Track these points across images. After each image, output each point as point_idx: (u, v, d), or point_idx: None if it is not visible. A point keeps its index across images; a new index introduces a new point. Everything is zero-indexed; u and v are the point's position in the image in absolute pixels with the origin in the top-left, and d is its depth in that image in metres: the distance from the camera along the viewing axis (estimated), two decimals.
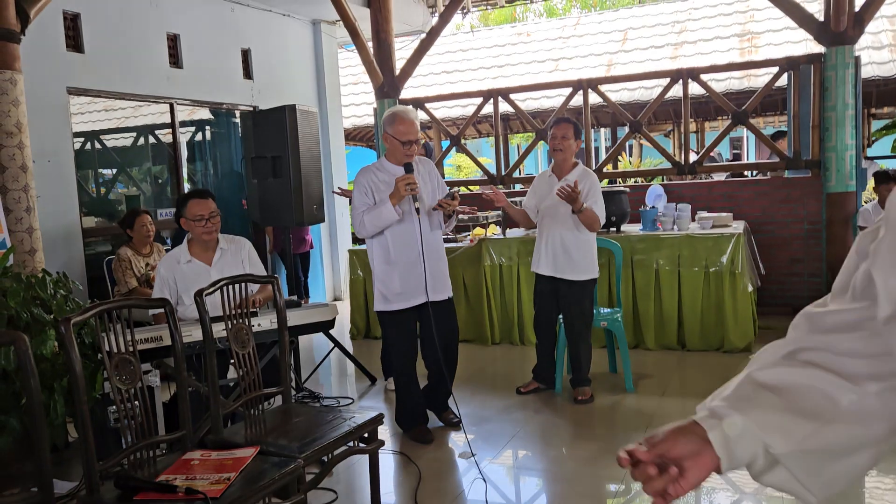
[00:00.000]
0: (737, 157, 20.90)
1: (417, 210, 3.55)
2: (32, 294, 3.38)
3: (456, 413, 3.93)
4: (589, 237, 4.24)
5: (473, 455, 3.55)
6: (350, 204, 3.93)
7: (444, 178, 7.93)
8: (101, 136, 6.44)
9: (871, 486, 3.03)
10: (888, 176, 5.97)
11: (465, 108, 9.88)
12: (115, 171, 6.81)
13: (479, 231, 6.20)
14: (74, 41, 5.53)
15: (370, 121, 10.26)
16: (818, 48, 6.10)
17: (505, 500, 3.13)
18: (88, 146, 6.29)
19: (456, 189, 3.83)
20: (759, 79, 8.57)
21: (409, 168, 3.58)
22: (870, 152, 11.05)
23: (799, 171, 6.40)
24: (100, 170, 6.60)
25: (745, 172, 8.98)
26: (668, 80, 6.56)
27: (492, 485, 3.22)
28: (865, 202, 6.86)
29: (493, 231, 6.17)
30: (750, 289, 5.15)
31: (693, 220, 5.76)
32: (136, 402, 2.23)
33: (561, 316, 4.32)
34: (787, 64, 6.17)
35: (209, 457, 2.26)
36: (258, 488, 2.08)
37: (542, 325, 4.38)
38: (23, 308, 3.25)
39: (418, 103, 7.66)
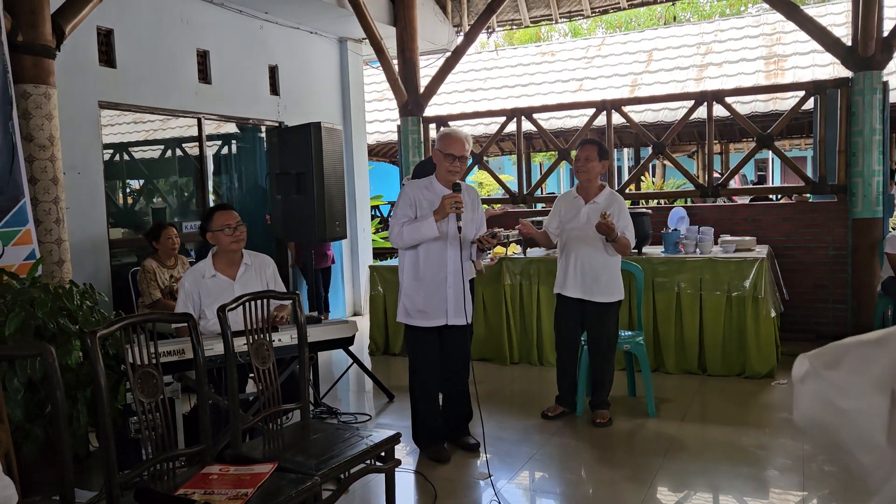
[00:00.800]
0: (761, 179, 20.75)
1: (459, 229, 3.58)
2: (60, 305, 3.44)
3: (474, 437, 3.91)
4: (616, 259, 4.23)
5: (490, 476, 3.53)
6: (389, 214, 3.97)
7: None
8: (130, 149, 6.56)
9: None
10: None
11: (489, 126, 9.92)
12: (142, 182, 6.93)
13: (499, 250, 6.20)
14: (107, 56, 5.65)
15: (393, 137, 10.34)
16: (845, 72, 6.06)
17: None
18: (117, 158, 6.40)
19: (500, 230, 3.86)
20: (784, 102, 8.51)
21: (456, 188, 3.62)
22: None
23: (824, 196, 6.34)
24: (127, 181, 6.72)
25: (770, 196, 8.90)
26: (692, 102, 6.55)
27: None
28: (893, 228, 6.76)
29: (514, 250, 6.17)
30: (773, 314, 5.09)
31: (716, 243, 5.72)
32: (157, 414, 2.25)
33: (585, 338, 4.30)
34: (814, 88, 6.14)
35: (227, 472, 2.28)
36: None
37: (566, 347, 4.35)
38: (50, 318, 3.31)
39: (442, 121, 7.71)
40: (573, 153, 4.33)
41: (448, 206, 3.52)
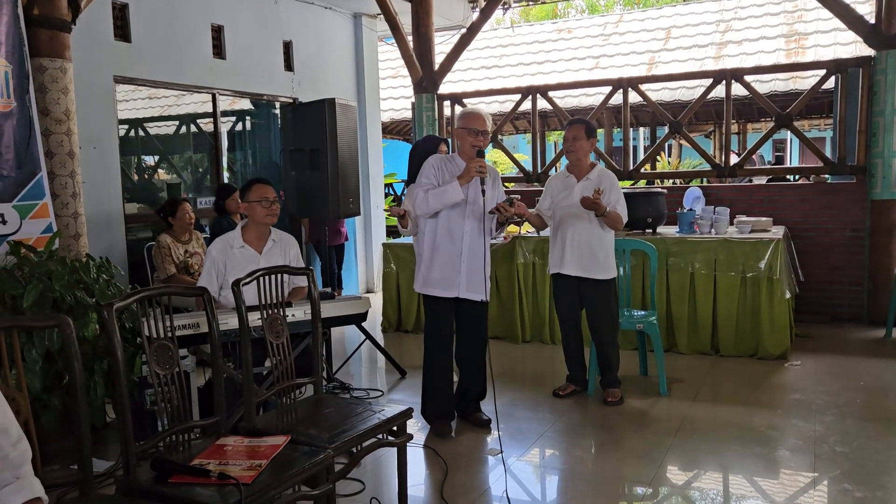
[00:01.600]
0: (779, 159, 20.51)
1: (483, 192, 3.60)
2: (76, 278, 3.48)
3: (486, 414, 3.93)
4: (610, 235, 4.24)
5: (501, 452, 3.56)
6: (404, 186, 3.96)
7: None
8: (145, 124, 6.58)
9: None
10: None
11: (503, 104, 9.84)
12: (157, 158, 6.95)
13: (513, 229, 6.19)
14: (122, 31, 5.65)
15: (408, 115, 10.30)
16: (868, 51, 5.95)
17: (531, 497, 3.14)
18: (132, 133, 6.43)
19: (517, 196, 3.86)
20: (805, 81, 8.38)
21: (481, 154, 3.66)
22: None
23: (843, 177, 6.26)
24: (143, 157, 6.75)
25: (788, 176, 8.80)
26: (710, 80, 6.46)
27: (517, 482, 3.23)
28: None
29: (527, 229, 6.15)
30: (788, 296, 5.05)
31: (731, 223, 5.67)
32: (173, 387, 2.28)
33: (587, 316, 4.29)
34: (835, 67, 6.04)
35: (242, 443, 2.30)
36: (288, 476, 2.12)
37: (571, 327, 4.35)
38: (67, 291, 3.35)
39: (456, 98, 7.67)
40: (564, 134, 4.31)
41: (473, 169, 3.56)
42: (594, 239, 4.17)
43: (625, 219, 4.16)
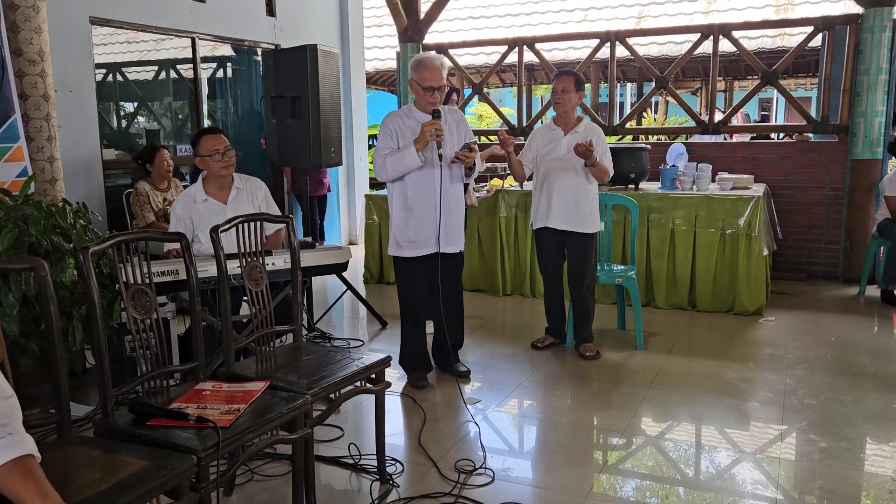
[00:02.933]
0: (765, 118, 20.52)
1: (440, 157, 3.55)
2: (53, 223, 3.44)
3: (465, 364, 3.98)
4: (595, 189, 4.24)
5: (477, 402, 3.62)
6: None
7: None
8: (123, 69, 6.43)
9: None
10: None
11: (490, 55, 9.72)
12: (136, 104, 6.82)
13: (496, 182, 6.18)
14: None
15: (393, 65, 10.14)
16: (856, 9, 5.91)
17: (507, 445, 3.20)
18: (110, 78, 6.28)
19: (474, 140, 3.79)
20: (793, 38, 8.34)
21: (436, 115, 3.56)
22: None
23: (825, 136, 6.28)
24: (121, 102, 6.61)
25: (771, 135, 8.82)
26: (698, 35, 6.40)
27: (494, 430, 3.30)
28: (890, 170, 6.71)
29: (510, 183, 6.15)
30: (765, 252, 5.12)
31: (713, 180, 5.70)
32: (152, 333, 2.28)
33: (568, 269, 4.32)
34: (823, 24, 6.00)
35: (220, 388, 2.32)
36: (266, 420, 2.14)
37: (554, 280, 4.38)
38: (43, 236, 3.31)
39: (442, 49, 7.55)
40: (552, 85, 4.24)
41: (428, 133, 3.48)
42: (581, 192, 4.16)
43: (611, 171, 4.16)
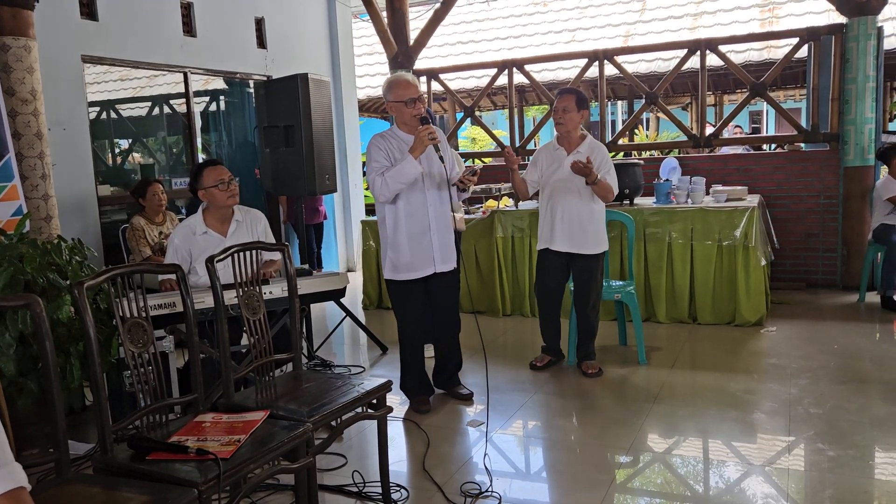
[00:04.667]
0: (756, 131, 20.63)
1: (442, 159, 3.53)
2: (49, 260, 3.43)
3: (467, 387, 3.95)
4: (600, 209, 4.21)
5: (481, 424, 3.58)
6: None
7: (458, 149, 7.89)
8: (117, 106, 6.47)
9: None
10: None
11: (480, 79, 9.79)
12: (130, 140, 6.84)
13: (491, 203, 6.19)
14: (88, 9, 5.52)
15: None
16: (841, 19, 5.97)
17: (513, 467, 3.16)
18: (104, 116, 6.32)
19: (479, 167, 3.80)
20: (779, 50, 8.41)
21: (424, 121, 3.54)
22: (892, 126, 10.86)
23: (817, 145, 6.32)
24: (115, 139, 6.64)
25: (763, 147, 8.86)
26: (685, 50, 6.46)
27: (499, 452, 3.26)
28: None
29: (506, 203, 6.16)
30: (763, 263, 5.11)
31: (707, 193, 5.71)
32: (150, 367, 2.26)
33: (573, 289, 4.30)
34: (808, 35, 6.06)
35: (220, 419, 2.30)
36: (267, 450, 2.12)
37: (552, 299, 4.35)
38: (39, 273, 3.30)
39: (433, 74, 7.61)
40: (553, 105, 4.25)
41: (425, 138, 3.46)
42: (584, 213, 4.13)
43: (615, 189, 4.13)
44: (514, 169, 4.09)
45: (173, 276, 2.44)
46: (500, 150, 7.45)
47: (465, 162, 4.05)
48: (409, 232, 3.65)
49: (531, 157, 4.40)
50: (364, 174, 9.62)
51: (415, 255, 3.67)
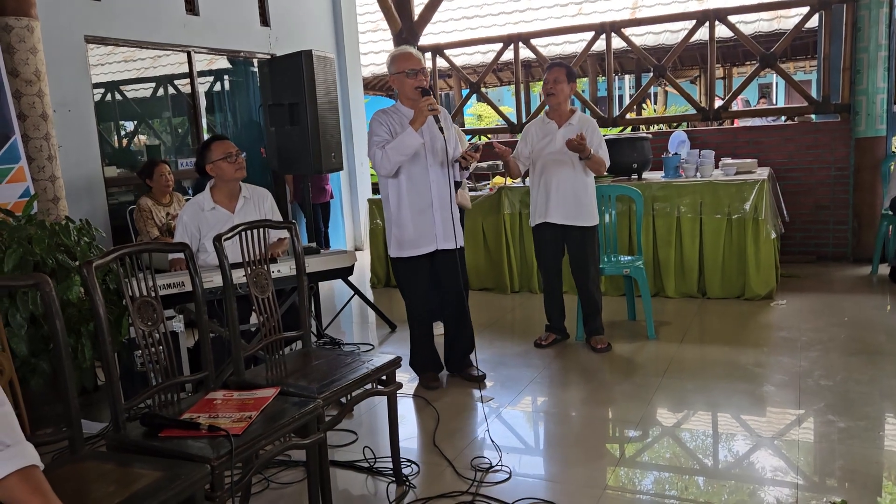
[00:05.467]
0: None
1: (441, 130, 3.52)
2: (57, 241, 3.43)
3: (478, 369, 3.91)
4: (592, 181, 4.22)
5: (491, 399, 3.59)
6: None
7: (464, 126, 7.84)
8: (121, 87, 6.45)
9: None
10: None
11: (486, 54, 9.70)
12: (135, 122, 6.83)
13: (498, 180, 6.16)
14: None
15: None
16: None
17: (522, 443, 3.18)
18: (109, 97, 6.30)
19: (481, 143, 3.77)
20: (789, 20, 8.31)
21: (426, 92, 3.52)
22: None
23: (828, 116, 6.24)
24: (120, 121, 6.63)
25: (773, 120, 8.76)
26: (694, 21, 6.37)
27: (508, 428, 3.27)
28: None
29: (513, 180, 6.12)
30: (773, 236, 5.08)
31: (717, 166, 5.66)
32: (161, 346, 2.27)
33: (571, 264, 4.29)
34: (819, 3, 5.96)
35: (231, 396, 2.31)
36: (279, 426, 2.13)
37: (554, 275, 4.34)
38: (48, 255, 3.31)
39: (438, 49, 7.54)
40: (544, 77, 4.21)
41: (425, 108, 3.44)
42: (579, 185, 4.13)
43: (607, 163, 4.13)
44: (504, 156, 4.04)
45: (183, 256, 2.44)
46: (505, 126, 7.41)
47: (469, 139, 4.02)
48: (411, 207, 3.64)
49: (521, 134, 4.37)
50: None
51: (418, 230, 3.66)
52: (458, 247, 3.71)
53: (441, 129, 3.53)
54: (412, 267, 3.74)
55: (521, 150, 4.25)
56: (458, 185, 3.85)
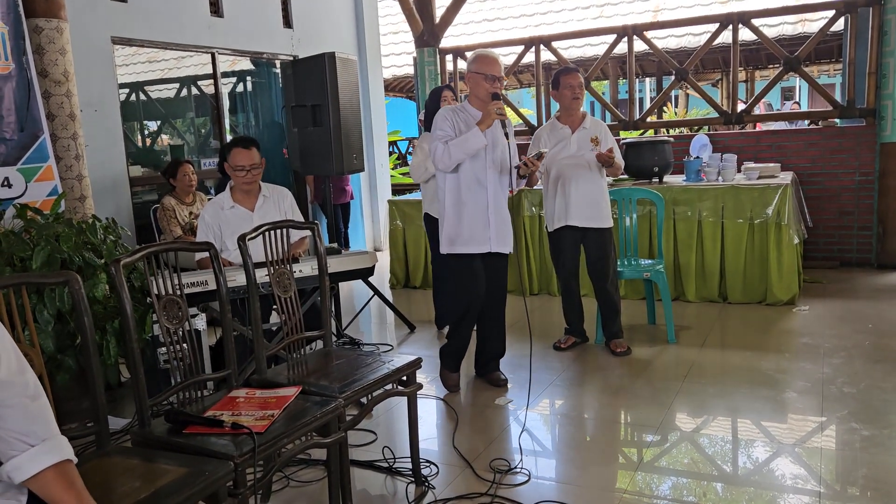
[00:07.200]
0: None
1: (507, 135, 3.54)
2: (84, 239, 3.49)
3: (504, 374, 3.89)
4: (606, 184, 4.27)
5: (510, 401, 3.60)
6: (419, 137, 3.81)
7: None
8: (146, 88, 6.54)
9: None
10: None
11: (506, 56, 9.66)
12: (159, 122, 6.92)
13: None
14: None
15: (410, 71, 10.17)
16: None
17: (540, 446, 3.18)
18: (133, 97, 6.39)
19: (545, 150, 3.77)
20: (813, 24, 8.23)
21: (496, 97, 3.52)
22: None
23: (853, 121, 6.17)
24: (144, 121, 6.72)
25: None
26: (717, 25, 6.33)
27: (527, 430, 3.27)
28: None
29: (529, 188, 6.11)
30: (796, 241, 5.03)
31: (739, 170, 5.62)
32: (185, 345, 2.30)
33: (589, 266, 4.27)
34: (845, 7, 5.90)
35: (254, 395, 2.33)
36: (300, 425, 2.15)
37: (572, 279, 4.33)
38: (75, 252, 3.37)
39: (458, 52, 7.56)
40: (564, 81, 4.20)
41: (493, 112, 3.45)
42: (596, 188, 4.18)
43: (622, 164, 4.21)
44: (536, 176, 3.97)
45: (208, 255, 2.47)
46: (526, 128, 7.40)
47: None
48: (467, 205, 3.61)
49: (531, 139, 4.37)
50: (390, 154, 9.60)
51: (471, 229, 3.62)
52: (510, 252, 3.70)
53: (507, 134, 3.54)
54: (468, 264, 3.65)
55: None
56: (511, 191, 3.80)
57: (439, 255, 3.95)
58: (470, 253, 3.65)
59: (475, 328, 3.90)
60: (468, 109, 3.66)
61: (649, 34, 6.71)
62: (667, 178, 5.69)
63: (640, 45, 6.73)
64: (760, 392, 3.53)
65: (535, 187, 5.79)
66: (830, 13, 6.04)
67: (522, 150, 4.22)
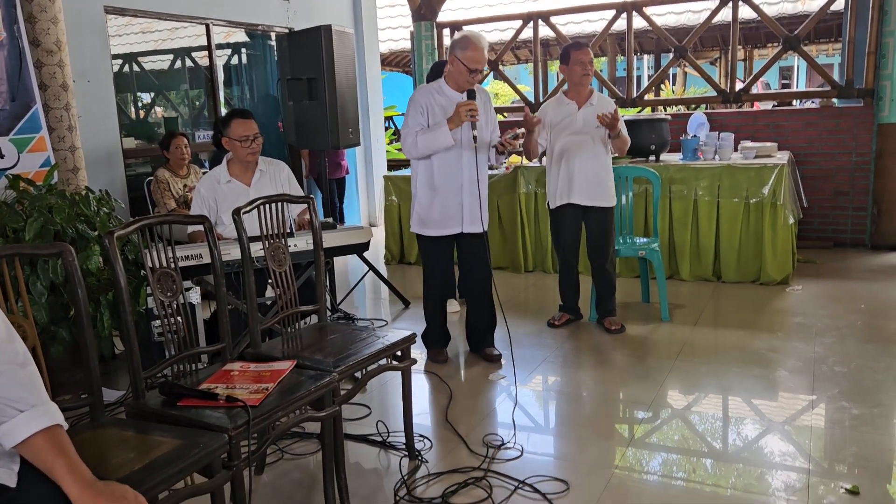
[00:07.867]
0: (785, 87, 20.13)
1: (475, 138, 3.51)
2: (77, 211, 3.47)
3: (497, 349, 3.93)
4: (610, 162, 4.22)
5: (503, 377, 3.62)
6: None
7: None
8: (139, 59, 6.46)
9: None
10: None
11: (504, 31, 9.62)
12: (153, 94, 6.85)
13: (514, 159, 6.13)
14: None
15: (407, 45, 10.07)
16: None
17: (533, 422, 3.20)
18: (126, 69, 6.31)
19: (521, 130, 3.73)
20: (813, 2, 8.16)
21: (471, 94, 3.49)
22: None
23: (851, 101, 6.15)
24: (138, 93, 6.65)
25: (794, 101, 8.64)
26: (717, 2, 6.28)
27: (520, 406, 3.29)
28: None
29: (529, 161, 6.09)
30: (791, 221, 5.04)
31: (736, 149, 5.61)
32: (179, 317, 2.30)
33: (589, 244, 4.27)
34: None
35: (248, 368, 2.33)
36: (295, 399, 2.15)
37: (571, 256, 4.32)
38: (68, 224, 3.35)
39: (456, 26, 7.48)
40: (575, 56, 4.15)
41: (463, 113, 3.42)
42: (600, 166, 4.13)
43: (629, 141, 4.13)
44: (533, 131, 3.97)
45: (202, 228, 2.46)
46: (522, 104, 7.35)
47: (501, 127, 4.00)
48: (439, 189, 3.64)
49: (537, 114, 4.32)
50: (386, 129, 9.55)
51: (443, 212, 3.66)
52: (484, 231, 3.71)
53: (475, 136, 3.50)
54: (435, 246, 3.76)
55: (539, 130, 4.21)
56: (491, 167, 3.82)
57: None
58: (440, 236, 3.69)
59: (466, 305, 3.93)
60: (444, 91, 3.62)
61: (648, 10, 6.65)
62: (663, 157, 5.68)
63: (639, 22, 6.67)
64: (752, 370, 3.55)
65: (532, 163, 5.82)
66: None
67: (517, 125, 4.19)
